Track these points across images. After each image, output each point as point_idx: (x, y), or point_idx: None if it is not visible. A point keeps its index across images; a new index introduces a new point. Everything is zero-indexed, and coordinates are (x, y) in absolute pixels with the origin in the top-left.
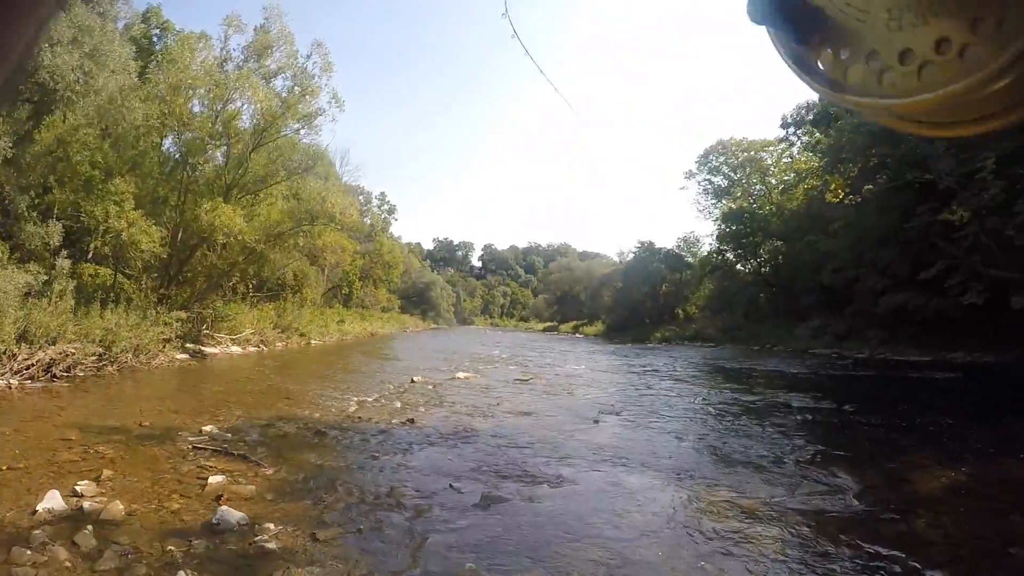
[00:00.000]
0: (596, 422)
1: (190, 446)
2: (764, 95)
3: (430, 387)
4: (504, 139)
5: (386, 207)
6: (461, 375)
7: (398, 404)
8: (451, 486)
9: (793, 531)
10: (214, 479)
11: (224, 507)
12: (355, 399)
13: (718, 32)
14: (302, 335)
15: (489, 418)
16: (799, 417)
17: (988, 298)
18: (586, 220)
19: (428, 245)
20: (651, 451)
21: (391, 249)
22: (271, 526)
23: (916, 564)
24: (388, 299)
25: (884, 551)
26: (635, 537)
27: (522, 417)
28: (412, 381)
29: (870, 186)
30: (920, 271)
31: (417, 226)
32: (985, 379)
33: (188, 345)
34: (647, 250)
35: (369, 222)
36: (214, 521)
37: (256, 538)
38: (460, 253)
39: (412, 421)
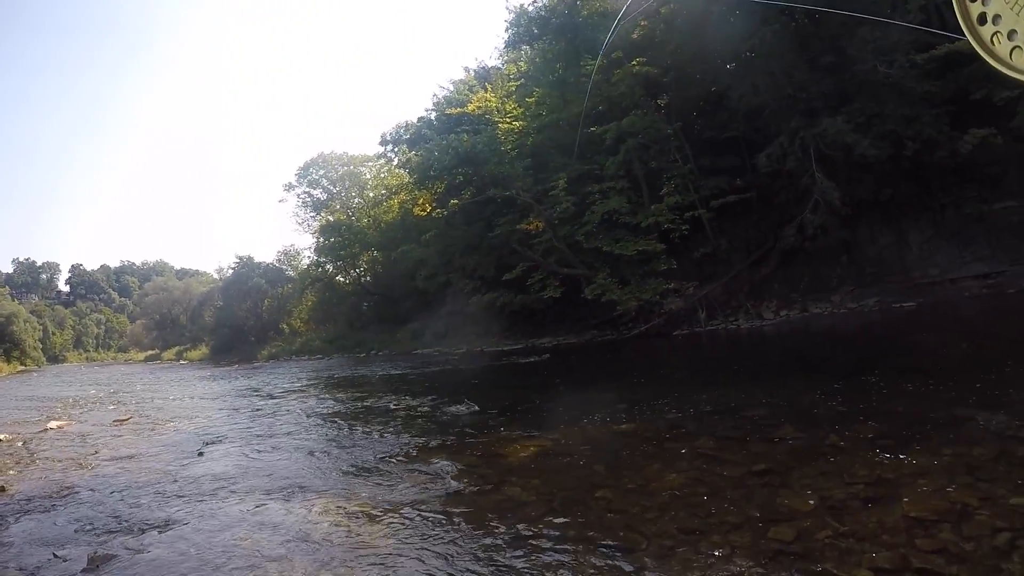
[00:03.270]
0: (200, 454)
1: None
2: (367, 113)
3: (20, 444)
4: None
5: None
6: (54, 424)
7: None
8: (55, 555)
9: (400, 521)
10: None
11: None
12: None
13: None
14: None
15: (88, 469)
16: (403, 415)
17: (565, 291)
18: (184, 233)
19: (6, 267)
20: (257, 473)
21: None
22: None
23: (511, 522)
24: None
25: (483, 520)
26: (250, 562)
27: (123, 462)
28: None
29: (455, 200)
30: (504, 273)
31: None
32: (569, 357)
33: None
34: (246, 265)
35: None
36: None
37: None
38: (44, 276)
39: (2, 489)
